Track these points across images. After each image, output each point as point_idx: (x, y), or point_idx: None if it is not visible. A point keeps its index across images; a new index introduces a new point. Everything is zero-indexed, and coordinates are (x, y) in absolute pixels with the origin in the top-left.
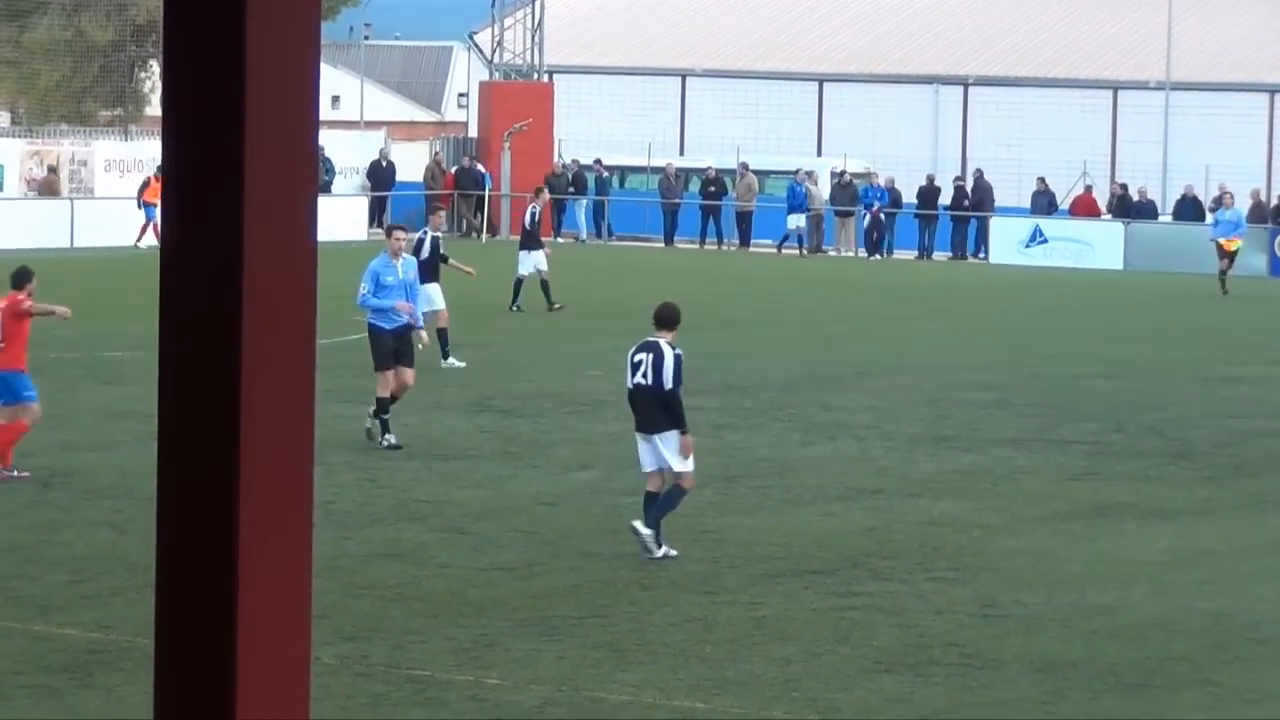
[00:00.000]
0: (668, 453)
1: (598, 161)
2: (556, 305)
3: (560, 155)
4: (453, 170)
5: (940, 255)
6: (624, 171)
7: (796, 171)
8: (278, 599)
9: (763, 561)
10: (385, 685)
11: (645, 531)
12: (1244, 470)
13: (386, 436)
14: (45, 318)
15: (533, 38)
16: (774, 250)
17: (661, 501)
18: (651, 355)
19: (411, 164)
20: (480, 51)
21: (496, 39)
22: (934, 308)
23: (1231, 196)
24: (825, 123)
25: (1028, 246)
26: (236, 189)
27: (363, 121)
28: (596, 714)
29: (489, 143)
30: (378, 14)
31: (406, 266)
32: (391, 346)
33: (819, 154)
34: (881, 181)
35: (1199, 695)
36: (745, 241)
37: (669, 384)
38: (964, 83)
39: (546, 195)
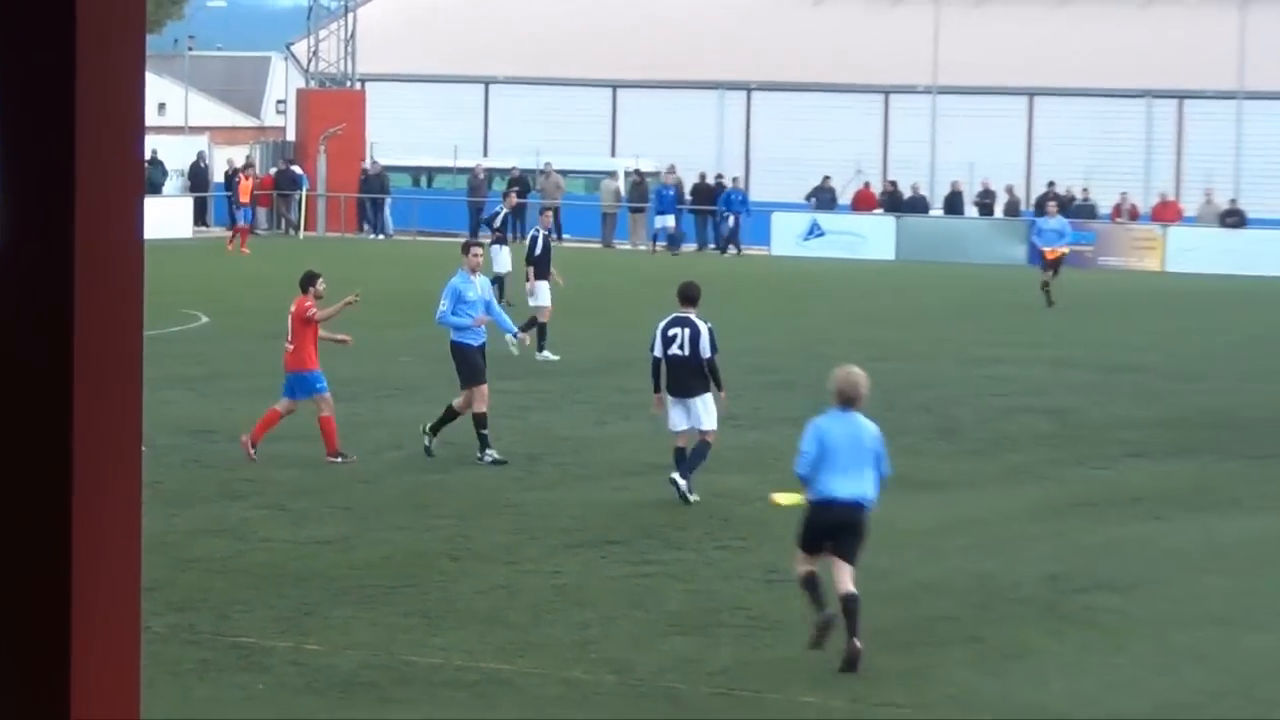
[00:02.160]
0: (702, 412)
1: (374, 161)
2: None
3: (371, 157)
4: (271, 171)
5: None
6: (431, 172)
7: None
8: (109, 574)
9: (562, 533)
10: (211, 652)
11: (682, 483)
12: (1005, 444)
13: (489, 452)
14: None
15: (346, 48)
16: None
17: (693, 458)
18: (687, 330)
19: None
20: (297, 61)
21: (312, 50)
22: (720, 297)
23: (1056, 204)
24: (619, 126)
25: (805, 239)
26: (68, 190)
27: (187, 127)
28: (409, 677)
29: (306, 146)
30: (200, 26)
31: (483, 284)
32: (482, 363)
33: (613, 154)
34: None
35: (965, 651)
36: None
37: (707, 353)
38: (746, 88)
39: (513, 199)
